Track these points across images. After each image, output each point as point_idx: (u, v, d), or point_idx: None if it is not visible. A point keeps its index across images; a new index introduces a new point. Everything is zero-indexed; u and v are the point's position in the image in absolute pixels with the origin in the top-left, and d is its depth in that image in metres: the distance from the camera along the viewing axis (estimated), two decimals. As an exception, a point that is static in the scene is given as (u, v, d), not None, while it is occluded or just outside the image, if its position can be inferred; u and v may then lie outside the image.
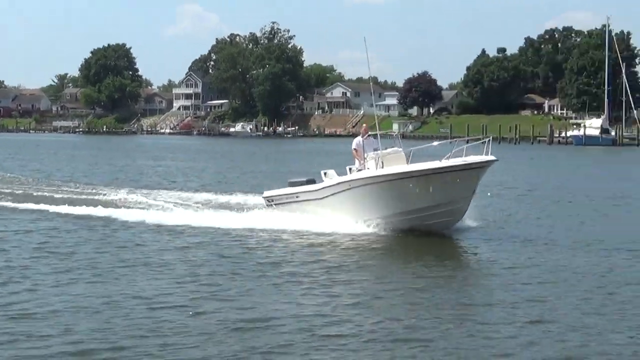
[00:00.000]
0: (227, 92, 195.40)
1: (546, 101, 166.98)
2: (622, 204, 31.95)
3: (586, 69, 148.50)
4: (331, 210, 21.06)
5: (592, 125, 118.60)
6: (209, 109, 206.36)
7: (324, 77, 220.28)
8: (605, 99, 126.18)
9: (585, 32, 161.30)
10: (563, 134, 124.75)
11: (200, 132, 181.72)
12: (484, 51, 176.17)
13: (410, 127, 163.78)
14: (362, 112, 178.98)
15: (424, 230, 20.21)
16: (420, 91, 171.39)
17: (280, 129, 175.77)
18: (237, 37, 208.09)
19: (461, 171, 19.64)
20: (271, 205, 22.87)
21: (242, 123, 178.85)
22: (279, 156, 78.29)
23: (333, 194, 21.11)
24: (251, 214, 22.77)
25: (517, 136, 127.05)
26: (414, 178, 19.90)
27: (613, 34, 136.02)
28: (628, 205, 31.45)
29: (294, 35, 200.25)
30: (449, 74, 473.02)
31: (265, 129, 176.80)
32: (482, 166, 19.80)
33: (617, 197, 33.78)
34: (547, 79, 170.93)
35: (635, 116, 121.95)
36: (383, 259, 18.20)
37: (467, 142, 21.11)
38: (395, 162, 20.51)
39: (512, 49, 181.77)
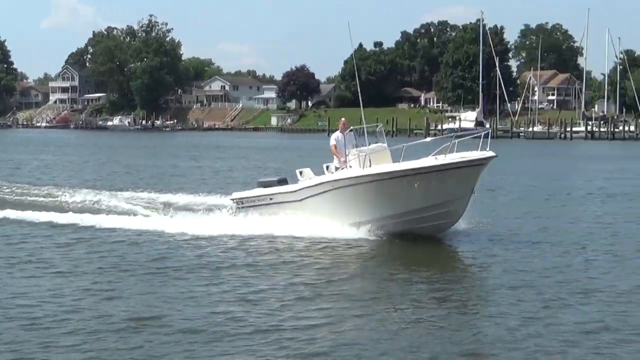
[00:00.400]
0: (105, 86, 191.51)
1: (422, 94, 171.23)
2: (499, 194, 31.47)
3: (461, 63, 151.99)
4: (311, 213, 18.92)
5: (467, 118, 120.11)
6: (86, 103, 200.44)
7: (202, 70, 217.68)
8: (480, 93, 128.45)
9: (460, 27, 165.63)
10: (439, 127, 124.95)
11: (78, 125, 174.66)
12: (361, 45, 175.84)
13: (289, 120, 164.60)
14: (240, 105, 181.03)
15: (417, 233, 18.11)
16: (299, 85, 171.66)
17: (158, 122, 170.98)
18: (115, 30, 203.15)
19: (460, 169, 17.72)
20: (241, 208, 20.61)
21: (120, 116, 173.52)
22: (171, 150, 74.45)
23: (313, 195, 19.06)
24: (222, 218, 20.42)
25: (394, 129, 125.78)
26: (407, 177, 17.87)
27: (487, 28, 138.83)
28: (503, 197, 31.18)
29: (172, 29, 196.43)
30: (327, 67, 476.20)
31: (144, 122, 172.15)
32: (482, 163, 17.82)
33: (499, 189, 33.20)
34: (423, 72, 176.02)
35: (509, 109, 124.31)
36: (370, 266, 16.28)
37: (457, 137, 18.48)
38: (381, 159, 18.64)
39: (389, 43, 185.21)
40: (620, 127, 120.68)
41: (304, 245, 17.58)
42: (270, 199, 20.07)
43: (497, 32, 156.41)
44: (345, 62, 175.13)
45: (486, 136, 18.06)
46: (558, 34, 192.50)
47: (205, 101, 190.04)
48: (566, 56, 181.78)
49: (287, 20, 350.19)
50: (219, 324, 10.70)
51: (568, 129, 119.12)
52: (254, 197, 20.59)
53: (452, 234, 19.11)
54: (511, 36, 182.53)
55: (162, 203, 23.96)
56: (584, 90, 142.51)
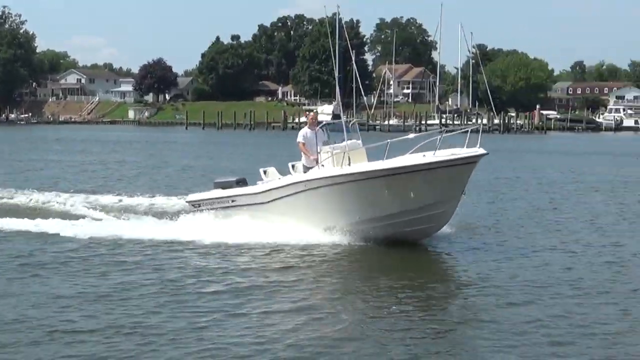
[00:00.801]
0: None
1: (280, 88, 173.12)
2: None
3: (318, 57, 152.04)
4: (280, 216, 17.41)
5: (324, 112, 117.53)
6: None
7: (57, 63, 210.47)
8: (337, 86, 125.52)
9: (317, 20, 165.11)
10: (296, 120, 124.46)
11: None
12: (218, 38, 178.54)
13: (147, 114, 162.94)
14: (97, 98, 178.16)
15: (400, 238, 16.55)
16: (156, 78, 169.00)
17: (13, 115, 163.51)
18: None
19: (451, 167, 16.11)
20: (199, 210, 19.14)
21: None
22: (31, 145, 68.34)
23: (283, 196, 17.54)
24: (180, 222, 18.92)
25: (252, 122, 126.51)
26: (392, 177, 16.27)
27: (343, 22, 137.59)
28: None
29: (26, 20, 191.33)
30: (185, 60, 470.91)
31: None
32: (475, 161, 16.15)
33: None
34: (281, 66, 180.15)
35: (365, 102, 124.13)
36: (348, 274, 14.82)
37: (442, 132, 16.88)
38: (357, 158, 16.99)
39: (246, 36, 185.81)
40: (473, 120, 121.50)
41: (271, 251, 16.19)
42: (233, 200, 18.58)
43: (353, 26, 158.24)
44: (203, 55, 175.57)
45: (476, 131, 16.22)
46: (412, 28, 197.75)
47: (61, 94, 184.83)
48: (421, 50, 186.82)
49: (145, 13, 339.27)
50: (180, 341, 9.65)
51: (423, 122, 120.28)
52: (213, 199, 18.97)
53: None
54: (367, 30, 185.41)
55: (103, 206, 22.24)
56: (437, 84, 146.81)
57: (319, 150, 17.35)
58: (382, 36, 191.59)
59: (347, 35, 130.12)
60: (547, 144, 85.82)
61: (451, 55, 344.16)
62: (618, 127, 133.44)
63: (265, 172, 18.68)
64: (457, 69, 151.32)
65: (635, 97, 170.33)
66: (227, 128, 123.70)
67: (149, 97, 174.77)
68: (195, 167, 41.45)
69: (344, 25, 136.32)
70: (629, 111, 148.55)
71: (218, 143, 74.37)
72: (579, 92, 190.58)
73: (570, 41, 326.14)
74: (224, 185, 19.16)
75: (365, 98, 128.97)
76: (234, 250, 16.24)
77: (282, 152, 57.46)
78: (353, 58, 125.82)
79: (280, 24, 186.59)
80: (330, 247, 16.40)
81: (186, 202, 19.85)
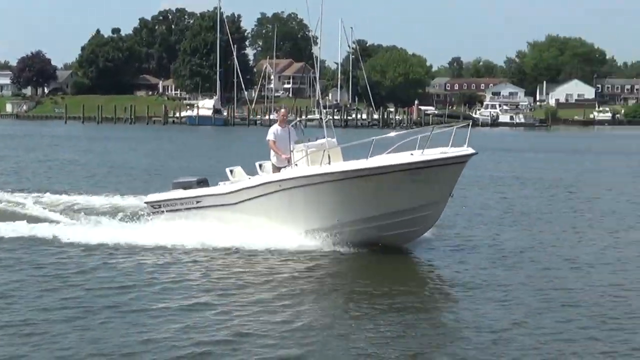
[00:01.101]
0: None
1: (160, 82, 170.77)
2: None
3: (199, 51, 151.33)
4: (251, 218, 16.14)
5: (205, 106, 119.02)
6: None
7: None
8: (218, 81, 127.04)
9: (198, 14, 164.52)
10: (177, 115, 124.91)
11: None
12: (98, 31, 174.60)
13: (25, 107, 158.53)
14: None
15: (382, 243, 15.56)
16: (35, 71, 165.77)
17: None
18: None
19: (441, 167, 15.15)
20: (159, 212, 17.74)
21: None
22: None
23: (255, 197, 16.20)
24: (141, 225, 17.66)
25: (132, 117, 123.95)
26: (376, 176, 15.14)
27: (224, 16, 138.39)
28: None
29: None
30: (64, 53, 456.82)
31: None
32: (465, 161, 15.33)
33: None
34: (162, 59, 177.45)
35: (246, 97, 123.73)
36: (327, 281, 13.46)
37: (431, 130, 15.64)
38: (334, 157, 15.85)
39: (127, 30, 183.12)
40: (353, 115, 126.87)
41: (241, 256, 15.20)
42: (198, 201, 17.27)
43: (235, 20, 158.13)
44: (83, 48, 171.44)
45: (470, 126, 15.84)
46: (293, 23, 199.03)
47: None
48: (301, 45, 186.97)
49: (23, 4, 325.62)
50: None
51: (304, 117, 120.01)
52: (176, 199, 17.65)
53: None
54: (248, 24, 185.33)
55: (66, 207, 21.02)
56: (318, 78, 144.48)
57: (292, 149, 16.26)
58: (264, 31, 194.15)
59: (228, 30, 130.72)
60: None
61: (332, 51, 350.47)
62: (494, 122, 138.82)
63: (232, 171, 17.49)
64: (337, 64, 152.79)
65: (511, 94, 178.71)
66: (108, 122, 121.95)
67: (28, 91, 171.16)
68: (78, 161, 40.89)
69: (225, 20, 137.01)
70: (505, 107, 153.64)
71: (98, 138, 73.24)
72: (456, 88, 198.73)
73: (448, 38, 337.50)
74: (185, 186, 17.86)
75: (246, 93, 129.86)
76: (198, 254, 15.33)
77: (167, 146, 58.65)
78: (234, 53, 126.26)
79: (161, 18, 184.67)
80: (306, 251, 15.42)
81: (145, 203, 18.38)
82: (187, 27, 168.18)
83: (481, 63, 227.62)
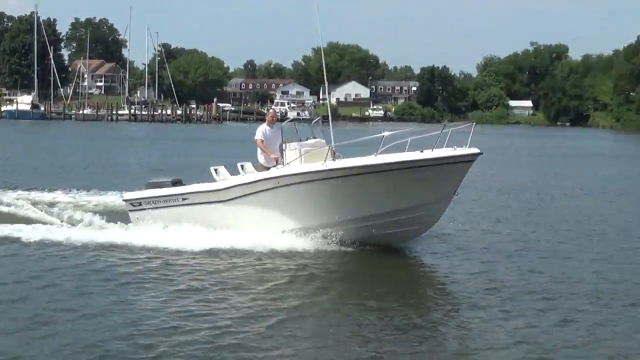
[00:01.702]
0: None
1: None
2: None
3: (18, 51, 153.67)
4: (243, 215, 15.09)
5: (24, 101, 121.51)
6: None
7: None
8: (35, 78, 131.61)
9: (16, 17, 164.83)
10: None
11: None
12: None
13: None
14: None
15: (380, 242, 14.74)
16: None
17: None
18: None
19: (449, 165, 14.01)
20: (138, 210, 16.47)
21: None
22: None
23: (247, 194, 15.07)
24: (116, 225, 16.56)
25: None
26: (383, 173, 14.06)
27: (41, 20, 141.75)
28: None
29: None
30: None
31: None
32: (472, 160, 14.13)
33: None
34: None
35: (62, 93, 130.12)
36: (324, 279, 12.77)
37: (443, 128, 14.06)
38: (318, 158, 14.72)
39: None
40: (159, 111, 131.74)
41: (231, 255, 14.14)
42: (184, 198, 15.85)
43: (50, 23, 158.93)
44: None
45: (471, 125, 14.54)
46: (105, 27, 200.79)
47: None
48: (112, 48, 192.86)
49: None
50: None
51: (114, 112, 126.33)
52: (158, 197, 16.23)
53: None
54: (63, 28, 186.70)
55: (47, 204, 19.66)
56: (127, 78, 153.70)
57: (284, 148, 15.07)
58: (77, 34, 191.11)
59: (45, 32, 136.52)
60: (222, 133, 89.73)
61: (140, 53, 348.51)
62: (284, 118, 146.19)
63: (216, 170, 15.88)
64: (145, 65, 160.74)
65: (298, 93, 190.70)
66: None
67: None
68: None
69: (42, 23, 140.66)
70: (292, 104, 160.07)
71: None
72: (250, 87, 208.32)
73: (243, 43, 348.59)
74: (160, 186, 16.51)
75: (62, 90, 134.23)
76: (186, 254, 14.08)
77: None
78: (50, 53, 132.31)
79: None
80: (299, 249, 14.24)
81: (124, 200, 17.04)
82: (6, 30, 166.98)
83: (272, 65, 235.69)
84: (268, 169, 15.15)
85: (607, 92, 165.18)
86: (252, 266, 13.44)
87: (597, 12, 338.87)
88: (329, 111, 17.40)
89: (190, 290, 11.64)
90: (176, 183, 16.72)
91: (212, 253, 14.26)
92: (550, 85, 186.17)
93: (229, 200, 15.25)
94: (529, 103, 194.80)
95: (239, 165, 15.77)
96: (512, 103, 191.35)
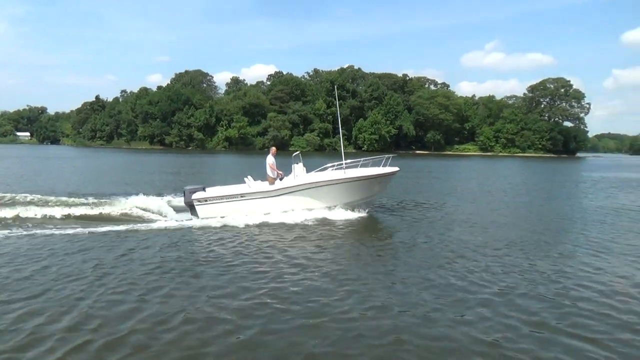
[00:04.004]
0: None
1: None
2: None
3: None
4: (286, 203, 20.64)
5: None
6: None
7: None
8: None
9: None
10: None
11: None
12: None
13: None
14: None
15: (359, 208, 21.75)
16: None
17: None
18: None
19: (387, 176, 21.90)
20: (204, 204, 20.30)
21: None
22: None
23: (290, 192, 20.69)
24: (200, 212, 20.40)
25: None
26: (367, 180, 21.35)
27: None
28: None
29: None
30: None
31: None
32: (394, 173, 22.16)
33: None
34: None
35: None
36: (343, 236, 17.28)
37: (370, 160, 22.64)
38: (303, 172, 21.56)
39: None
40: None
41: (286, 226, 18.64)
42: (242, 196, 20.55)
43: None
44: None
45: (389, 158, 22.26)
46: None
47: None
48: None
49: None
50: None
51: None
52: (222, 195, 20.55)
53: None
54: None
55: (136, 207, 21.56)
56: None
57: (294, 169, 21.12)
58: None
59: None
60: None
61: None
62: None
63: (246, 179, 21.50)
64: None
65: None
66: None
67: None
68: None
69: None
70: None
71: None
72: None
73: None
74: (195, 190, 20.52)
75: None
76: (259, 226, 18.47)
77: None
78: None
79: None
80: (326, 219, 19.88)
81: (193, 199, 20.42)
82: None
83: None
84: (274, 180, 21.19)
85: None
86: (300, 228, 18.52)
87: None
88: (342, 145, 25.01)
89: (274, 243, 15.89)
90: (204, 188, 20.95)
91: (278, 226, 18.91)
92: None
93: (278, 196, 20.69)
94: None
95: (245, 179, 21.58)
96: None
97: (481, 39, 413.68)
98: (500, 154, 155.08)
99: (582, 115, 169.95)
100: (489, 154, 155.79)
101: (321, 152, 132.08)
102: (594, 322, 10.18)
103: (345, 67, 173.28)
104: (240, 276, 12.28)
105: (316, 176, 21.20)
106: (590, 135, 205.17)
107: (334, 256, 14.42)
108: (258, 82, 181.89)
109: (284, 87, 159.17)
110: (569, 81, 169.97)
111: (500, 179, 47.48)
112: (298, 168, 21.13)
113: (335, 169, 21.98)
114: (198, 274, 12.41)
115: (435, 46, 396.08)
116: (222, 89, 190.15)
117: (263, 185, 21.18)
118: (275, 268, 13.04)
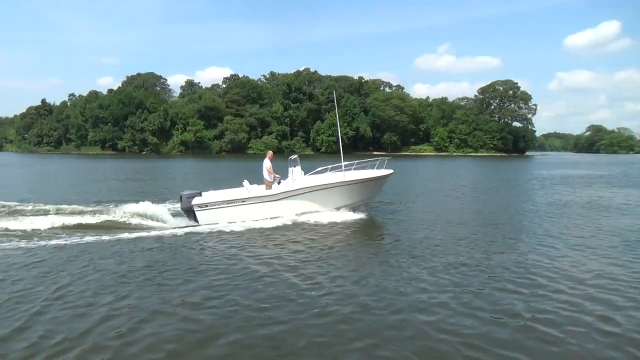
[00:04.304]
0: None
1: None
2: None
3: None
4: (286, 206, 20.59)
5: None
6: None
7: None
8: None
9: None
10: None
11: None
12: None
13: None
14: None
15: (358, 209, 21.92)
16: None
17: None
18: None
19: (380, 179, 22.01)
20: (205, 210, 20.21)
21: None
22: None
23: (290, 196, 20.63)
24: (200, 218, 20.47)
25: None
26: (367, 182, 21.50)
27: None
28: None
29: None
30: None
31: None
32: (388, 175, 22.23)
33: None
34: None
35: None
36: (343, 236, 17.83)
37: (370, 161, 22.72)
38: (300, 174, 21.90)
39: None
40: None
41: (291, 227, 19.01)
42: (243, 201, 20.39)
43: None
44: None
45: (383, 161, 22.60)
46: None
47: None
48: None
49: None
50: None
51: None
52: (222, 200, 20.42)
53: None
54: None
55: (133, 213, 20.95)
56: None
57: (292, 173, 21.23)
58: None
59: None
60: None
61: None
62: None
63: (243, 183, 21.41)
64: None
65: None
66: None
67: None
68: None
69: None
70: None
71: None
72: None
73: None
74: (192, 195, 20.47)
75: None
76: (262, 230, 18.50)
77: None
78: None
79: None
80: (325, 221, 19.88)
81: (193, 204, 20.23)
82: None
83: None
84: (271, 184, 21.16)
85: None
86: (302, 229, 18.85)
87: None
88: (340, 148, 24.10)
89: (284, 242, 16.63)
90: (200, 193, 21.18)
91: (279, 228, 19.14)
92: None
93: (278, 200, 20.62)
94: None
95: (244, 182, 21.56)
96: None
97: (433, 43, 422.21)
98: (455, 153, 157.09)
99: (529, 116, 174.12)
100: (443, 154, 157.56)
101: (278, 155, 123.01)
102: (552, 308, 10.75)
103: (301, 69, 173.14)
104: (270, 287, 11.88)
105: (317, 179, 21.16)
106: (537, 134, 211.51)
107: (347, 260, 14.29)
108: (213, 85, 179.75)
109: (240, 90, 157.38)
110: (517, 83, 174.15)
111: (454, 178, 48.22)
112: (296, 171, 21.23)
113: (334, 171, 21.99)
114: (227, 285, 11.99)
115: (389, 49, 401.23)
116: (177, 92, 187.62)
117: (261, 190, 21.06)
118: (292, 279, 12.58)
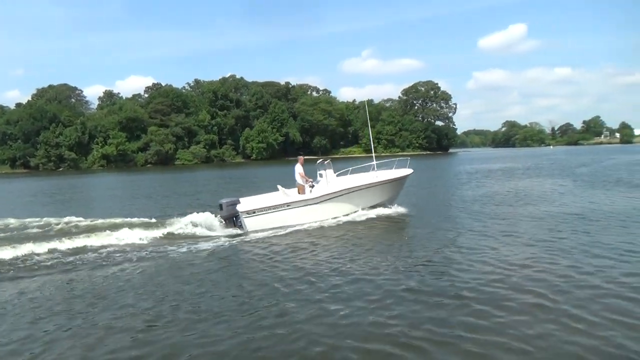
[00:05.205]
0: None
1: None
2: None
3: None
4: (328, 208, 21.07)
5: None
6: None
7: None
8: None
9: None
10: None
11: None
12: None
13: None
14: None
15: (384, 206, 22.66)
16: None
17: None
18: None
19: (400, 180, 23.13)
20: (252, 216, 19.88)
21: None
22: None
23: (330, 198, 21.04)
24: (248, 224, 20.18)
25: None
26: (390, 183, 22.49)
27: None
28: None
29: None
30: None
31: None
32: (408, 175, 23.54)
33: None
34: None
35: None
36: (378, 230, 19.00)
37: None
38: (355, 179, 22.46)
39: None
40: None
41: (325, 228, 19.55)
42: (288, 205, 20.58)
43: None
44: None
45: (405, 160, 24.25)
46: None
47: None
48: None
49: None
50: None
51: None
52: (269, 206, 20.36)
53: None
54: None
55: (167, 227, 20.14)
56: None
57: (322, 175, 21.83)
58: None
59: None
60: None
61: None
62: None
63: (278, 188, 21.48)
64: None
65: None
66: None
67: None
68: None
69: None
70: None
71: None
72: None
73: None
74: (233, 203, 20.71)
75: None
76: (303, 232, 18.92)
77: None
78: None
79: None
80: (358, 219, 20.68)
81: (240, 211, 20.23)
82: None
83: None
84: (304, 187, 21.46)
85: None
86: (342, 229, 19.19)
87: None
88: (372, 148, 26.67)
89: (331, 240, 17.21)
90: (239, 200, 21.15)
91: (324, 228, 19.58)
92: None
93: (319, 203, 21.07)
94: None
95: (278, 186, 21.37)
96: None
97: (357, 47, 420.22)
98: (383, 154, 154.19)
99: (450, 114, 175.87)
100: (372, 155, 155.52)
101: (208, 164, 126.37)
102: (486, 296, 10.83)
103: (227, 76, 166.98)
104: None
105: (352, 181, 22.01)
106: (458, 132, 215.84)
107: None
108: (135, 95, 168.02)
109: (164, 99, 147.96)
110: (437, 84, 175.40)
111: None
112: (329, 174, 21.68)
113: (362, 173, 22.94)
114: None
115: (314, 54, 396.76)
116: (95, 103, 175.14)
117: (295, 194, 21.47)
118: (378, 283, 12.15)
